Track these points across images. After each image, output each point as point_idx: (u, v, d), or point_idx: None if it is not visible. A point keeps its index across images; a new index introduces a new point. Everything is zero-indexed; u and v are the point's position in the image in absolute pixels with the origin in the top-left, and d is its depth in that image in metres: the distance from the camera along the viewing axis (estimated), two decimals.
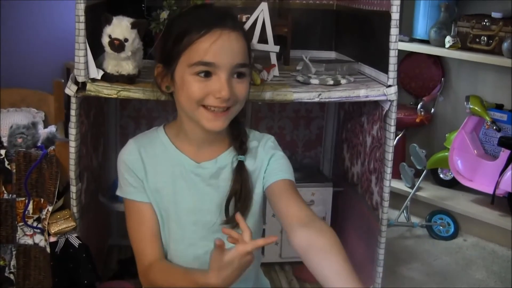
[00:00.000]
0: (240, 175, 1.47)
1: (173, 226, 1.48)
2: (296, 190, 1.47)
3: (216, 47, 1.35)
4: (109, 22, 1.78)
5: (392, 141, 1.99)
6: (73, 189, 1.91)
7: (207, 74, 1.37)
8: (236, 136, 1.51)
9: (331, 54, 2.59)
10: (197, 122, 1.41)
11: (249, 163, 1.50)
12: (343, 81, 2.02)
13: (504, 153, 2.97)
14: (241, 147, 1.50)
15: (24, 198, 1.97)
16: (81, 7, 1.75)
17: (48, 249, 1.95)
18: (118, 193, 1.53)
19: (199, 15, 1.43)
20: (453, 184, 3.32)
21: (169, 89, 1.46)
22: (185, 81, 1.39)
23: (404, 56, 3.49)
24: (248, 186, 1.48)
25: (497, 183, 2.91)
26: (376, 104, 2.07)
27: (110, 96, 1.82)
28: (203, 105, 1.39)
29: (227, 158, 1.50)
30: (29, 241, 2.00)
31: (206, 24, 1.37)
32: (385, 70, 1.96)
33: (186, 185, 1.47)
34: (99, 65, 1.83)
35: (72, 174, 1.90)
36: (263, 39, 2.07)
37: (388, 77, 1.94)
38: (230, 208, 1.46)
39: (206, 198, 1.48)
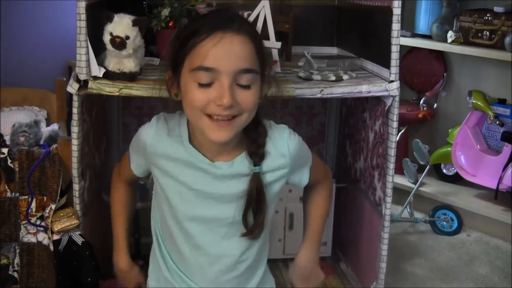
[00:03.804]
0: (255, 189, 1.40)
1: (171, 223, 1.47)
2: (315, 164, 1.56)
3: (217, 51, 1.28)
4: (110, 19, 1.77)
5: (394, 137, 1.99)
6: (75, 187, 1.91)
7: (209, 81, 1.29)
8: (254, 139, 1.42)
9: (333, 50, 2.59)
10: (202, 131, 1.35)
11: (266, 165, 1.43)
12: (345, 77, 2.02)
13: (507, 148, 2.97)
14: (257, 152, 1.41)
15: (27, 196, 1.97)
16: (82, 5, 1.75)
17: (51, 247, 1.95)
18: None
19: (206, 19, 1.35)
20: (456, 179, 3.33)
21: (178, 97, 1.39)
22: (187, 87, 1.33)
23: (406, 52, 3.49)
24: (264, 199, 1.42)
25: (501, 178, 2.91)
26: (379, 100, 2.06)
27: (112, 94, 1.82)
28: (207, 114, 1.31)
29: (243, 162, 1.42)
30: (33, 239, 2.00)
31: (208, 27, 1.30)
32: (387, 65, 1.96)
33: (193, 179, 1.42)
34: (100, 63, 1.83)
35: (74, 172, 1.90)
36: (264, 36, 2.06)
37: (390, 73, 1.94)
38: (237, 214, 1.42)
39: (213, 193, 1.42)
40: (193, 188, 1.41)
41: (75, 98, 1.83)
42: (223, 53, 1.29)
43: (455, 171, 3.27)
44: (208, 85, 1.30)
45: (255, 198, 1.41)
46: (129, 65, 1.82)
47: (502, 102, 3.08)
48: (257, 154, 1.41)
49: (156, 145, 1.44)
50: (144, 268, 1.61)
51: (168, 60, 1.41)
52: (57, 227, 1.92)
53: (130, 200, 1.67)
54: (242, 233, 1.43)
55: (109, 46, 1.79)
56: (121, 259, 1.65)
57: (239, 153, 1.42)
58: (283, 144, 1.45)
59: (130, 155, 1.55)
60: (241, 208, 1.41)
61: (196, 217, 1.42)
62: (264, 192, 1.42)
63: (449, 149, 3.18)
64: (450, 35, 3.16)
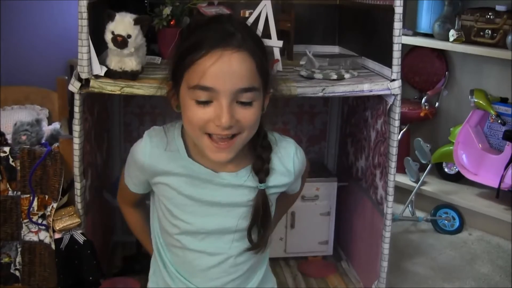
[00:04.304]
0: (261, 206, 1.38)
1: (173, 232, 1.46)
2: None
3: (215, 70, 1.23)
4: (112, 18, 1.78)
5: (396, 136, 1.99)
6: (77, 185, 1.91)
7: (207, 99, 1.25)
8: (259, 155, 1.39)
9: (335, 49, 2.59)
10: (202, 150, 1.32)
11: (272, 180, 1.41)
12: (346, 76, 2.02)
13: (509, 147, 2.96)
14: (263, 169, 1.38)
15: (28, 195, 1.97)
16: (83, 4, 1.75)
17: (53, 246, 1.95)
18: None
19: (206, 31, 1.30)
20: (458, 178, 3.32)
21: (179, 109, 1.35)
22: (186, 104, 1.29)
23: (408, 50, 3.48)
24: (269, 216, 1.41)
25: (502, 177, 2.91)
26: (380, 99, 2.06)
27: (113, 93, 1.82)
28: (206, 133, 1.28)
29: (247, 175, 1.39)
30: (34, 237, 2.00)
31: (207, 43, 1.25)
32: (389, 64, 1.95)
33: (197, 190, 1.39)
34: (102, 62, 1.83)
35: (76, 171, 1.90)
36: (266, 34, 2.06)
37: (392, 71, 1.94)
38: (240, 222, 1.40)
39: (218, 201, 1.39)
40: (198, 199, 1.39)
41: (76, 96, 1.83)
42: (221, 72, 1.24)
43: (456, 170, 3.27)
44: (207, 104, 1.26)
45: (261, 216, 1.38)
46: (131, 63, 1.82)
47: (504, 101, 3.08)
48: (262, 171, 1.38)
49: (155, 164, 1.40)
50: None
51: (168, 71, 1.36)
52: (58, 225, 1.92)
53: (145, 220, 1.62)
54: (246, 248, 1.42)
55: (110, 45, 1.79)
56: None
57: (244, 164, 1.40)
58: (289, 162, 1.44)
59: (126, 178, 1.51)
60: (244, 217, 1.40)
61: (200, 227, 1.40)
62: (269, 209, 1.40)
63: (451, 148, 3.17)
64: (452, 34, 3.15)
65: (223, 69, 1.24)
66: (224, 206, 1.39)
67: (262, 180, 1.38)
